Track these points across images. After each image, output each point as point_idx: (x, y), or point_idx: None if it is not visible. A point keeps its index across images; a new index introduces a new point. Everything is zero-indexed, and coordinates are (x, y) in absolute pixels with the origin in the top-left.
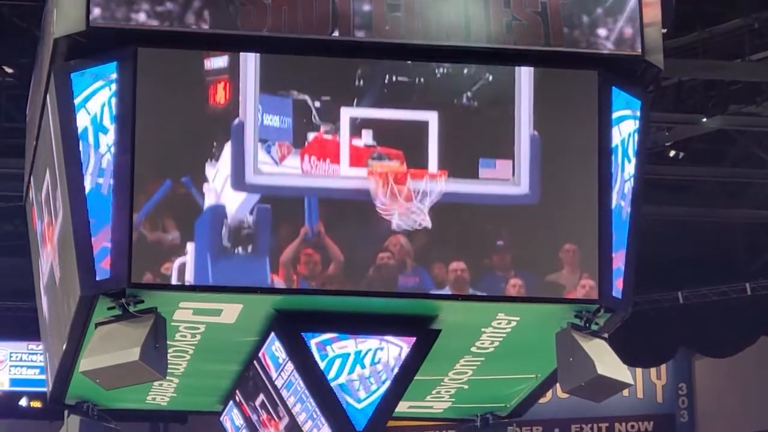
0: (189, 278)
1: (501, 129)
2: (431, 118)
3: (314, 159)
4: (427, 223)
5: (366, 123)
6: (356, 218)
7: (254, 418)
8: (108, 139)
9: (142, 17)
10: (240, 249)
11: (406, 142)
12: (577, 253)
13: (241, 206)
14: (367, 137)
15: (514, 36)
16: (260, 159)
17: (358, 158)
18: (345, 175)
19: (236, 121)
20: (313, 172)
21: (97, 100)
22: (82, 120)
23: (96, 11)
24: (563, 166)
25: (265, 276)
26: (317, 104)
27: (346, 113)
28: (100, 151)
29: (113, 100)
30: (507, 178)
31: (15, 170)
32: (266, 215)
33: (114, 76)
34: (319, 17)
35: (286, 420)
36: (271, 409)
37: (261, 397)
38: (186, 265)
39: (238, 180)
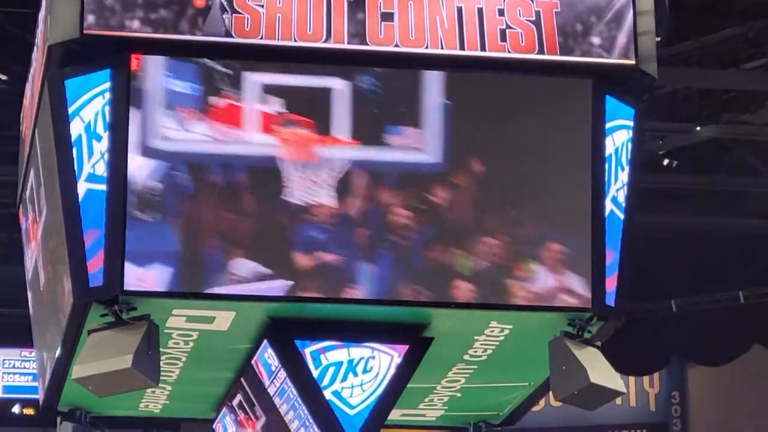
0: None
1: (411, 96)
2: (342, 84)
3: (221, 125)
4: (333, 198)
5: (275, 89)
6: (263, 185)
7: (231, 417)
8: (101, 146)
9: (136, 24)
10: (149, 216)
11: (315, 109)
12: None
13: (147, 172)
14: (276, 104)
15: (507, 44)
16: (166, 124)
17: (266, 125)
18: (252, 142)
19: (141, 85)
20: (220, 138)
21: (91, 108)
22: (77, 128)
23: (90, 18)
24: (479, 134)
25: (174, 241)
26: (225, 69)
27: (255, 78)
28: (94, 158)
29: (107, 108)
30: (417, 146)
31: (8, 177)
32: (173, 181)
33: (108, 84)
34: (312, 26)
35: (262, 420)
36: (248, 409)
37: (238, 397)
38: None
39: (144, 146)
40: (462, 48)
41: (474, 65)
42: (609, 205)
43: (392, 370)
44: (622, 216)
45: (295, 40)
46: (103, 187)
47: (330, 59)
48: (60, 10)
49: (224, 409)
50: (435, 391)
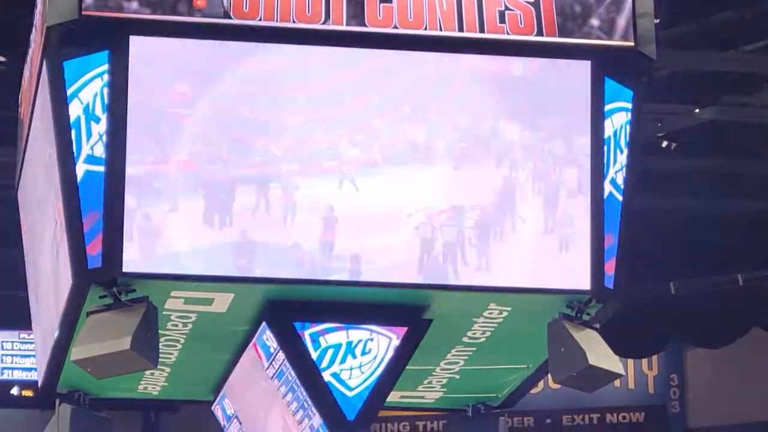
0: None
1: None
2: None
3: None
4: None
5: None
6: None
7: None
8: (100, 128)
9: (134, 5)
10: None
11: None
12: None
13: None
14: None
15: (506, 26)
16: None
17: None
18: None
19: None
20: None
21: (90, 89)
22: (75, 109)
23: None
24: None
25: None
26: None
27: None
28: (92, 139)
29: (105, 90)
30: None
31: (7, 159)
32: None
33: (106, 66)
34: (311, 7)
35: None
36: None
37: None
38: None
39: None
40: (461, 30)
41: (473, 47)
42: (608, 188)
43: (391, 353)
44: (621, 198)
45: (294, 22)
46: (101, 168)
47: (329, 41)
48: None
49: (223, 391)
50: (434, 374)
